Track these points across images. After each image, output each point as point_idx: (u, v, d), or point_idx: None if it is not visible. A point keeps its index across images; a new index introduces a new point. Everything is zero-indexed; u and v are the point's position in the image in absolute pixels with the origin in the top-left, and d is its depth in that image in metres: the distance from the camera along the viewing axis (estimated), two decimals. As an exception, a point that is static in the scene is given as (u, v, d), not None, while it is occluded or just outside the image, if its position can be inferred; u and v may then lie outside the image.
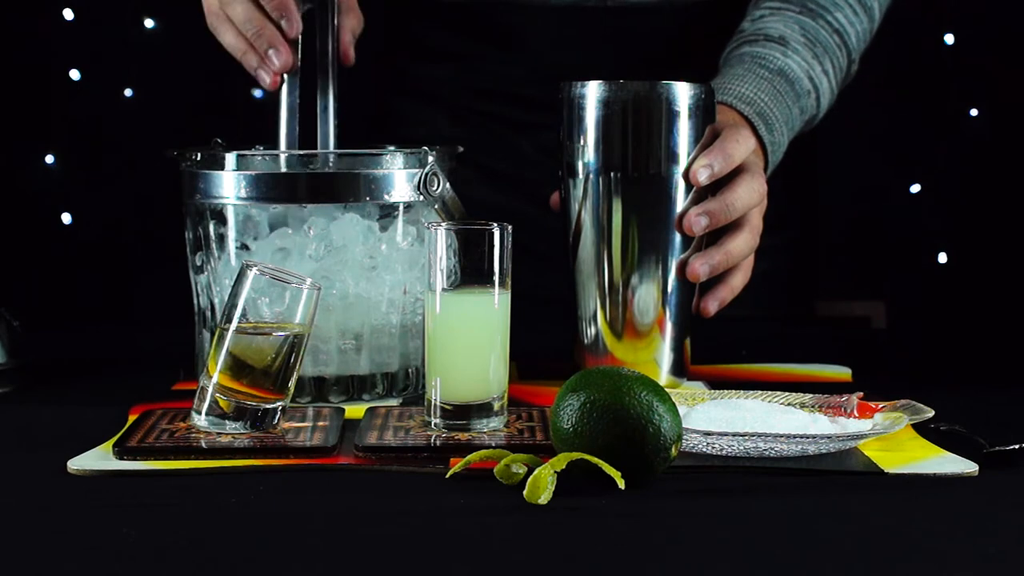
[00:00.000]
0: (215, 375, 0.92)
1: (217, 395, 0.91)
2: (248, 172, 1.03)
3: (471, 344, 0.94)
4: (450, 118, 1.42)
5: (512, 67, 1.38)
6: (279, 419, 0.93)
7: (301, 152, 1.03)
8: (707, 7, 1.36)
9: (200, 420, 0.92)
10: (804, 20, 1.24)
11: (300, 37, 1.10)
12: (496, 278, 0.93)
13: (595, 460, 0.79)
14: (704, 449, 0.88)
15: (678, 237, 1.07)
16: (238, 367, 0.92)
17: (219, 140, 1.07)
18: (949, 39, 2.16)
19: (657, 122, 1.05)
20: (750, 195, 1.07)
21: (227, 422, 0.91)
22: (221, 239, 1.04)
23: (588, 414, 0.82)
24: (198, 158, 1.05)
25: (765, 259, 1.15)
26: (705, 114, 1.06)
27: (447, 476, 0.83)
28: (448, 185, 1.04)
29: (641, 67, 1.31)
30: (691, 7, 1.35)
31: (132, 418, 0.97)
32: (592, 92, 1.05)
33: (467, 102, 1.41)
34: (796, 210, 1.47)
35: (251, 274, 0.92)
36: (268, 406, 0.92)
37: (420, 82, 1.44)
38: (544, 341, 1.14)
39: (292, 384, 0.93)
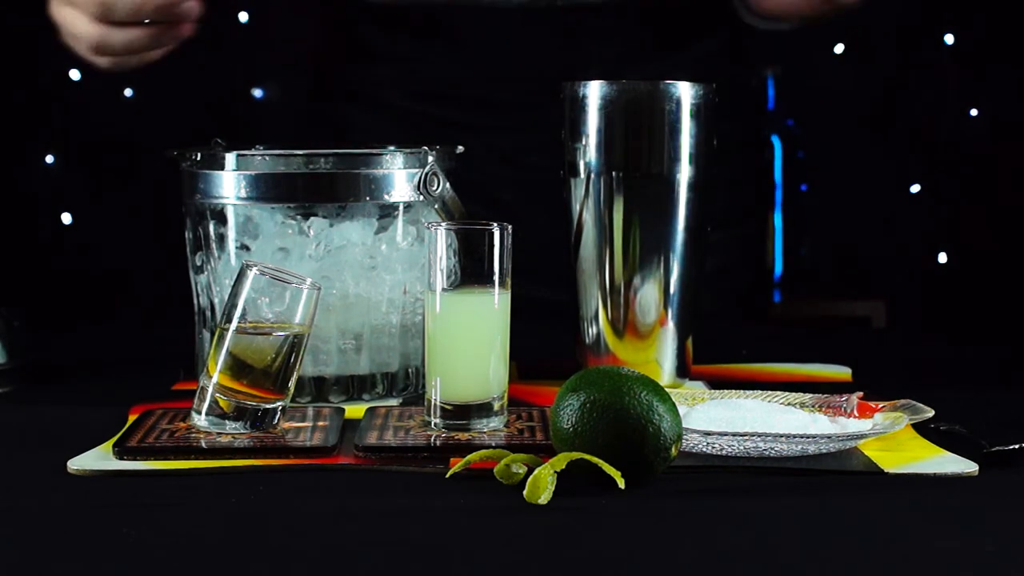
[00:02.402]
0: (215, 375, 0.92)
1: (217, 395, 0.91)
2: (248, 172, 1.02)
3: (471, 344, 0.94)
4: (394, 121, 1.39)
5: (458, 69, 1.34)
6: (279, 419, 0.93)
7: (301, 152, 1.03)
8: (657, 7, 1.33)
9: (200, 420, 0.92)
10: None
11: None
12: (496, 278, 0.93)
13: (595, 460, 0.79)
14: (704, 449, 0.88)
15: (680, 237, 1.07)
16: (238, 367, 0.92)
17: (219, 140, 1.07)
18: (949, 39, 2.16)
19: (659, 121, 1.04)
20: None
21: (227, 422, 0.91)
22: (221, 239, 1.04)
23: (588, 414, 0.82)
24: (198, 158, 1.05)
25: (718, 254, 1.13)
26: (707, 114, 1.06)
27: (447, 476, 0.83)
28: (448, 185, 1.04)
29: (591, 67, 1.29)
30: (641, 7, 1.33)
31: (132, 418, 0.97)
32: (594, 91, 1.05)
33: (411, 104, 1.38)
34: (752, 206, 1.47)
35: (251, 274, 0.92)
36: (268, 406, 0.92)
37: (363, 85, 1.41)
38: (544, 341, 1.14)
39: (292, 384, 0.93)
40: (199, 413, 0.92)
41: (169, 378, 1.12)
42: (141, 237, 2.21)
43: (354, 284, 1.03)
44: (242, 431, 0.91)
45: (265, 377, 0.92)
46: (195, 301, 1.09)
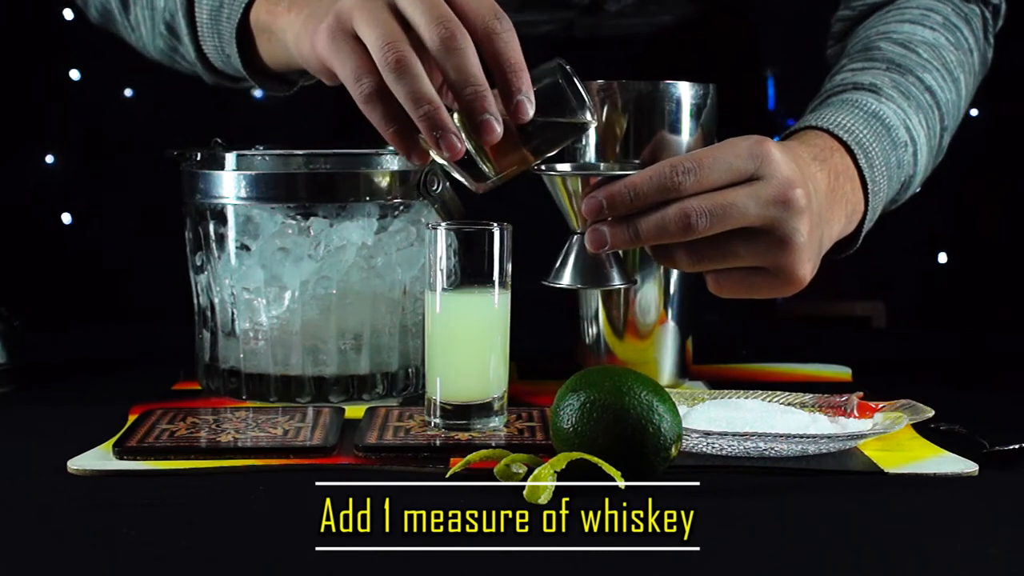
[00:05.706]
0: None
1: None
2: (248, 172, 1.02)
3: (471, 344, 0.94)
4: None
5: None
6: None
7: (301, 152, 1.03)
8: (675, 39, 1.33)
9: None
10: (893, 75, 1.14)
11: None
12: (496, 278, 0.93)
13: (595, 460, 0.79)
14: (704, 449, 0.88)
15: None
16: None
17: (219, 140, 1.07)
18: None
19: (659, 121, 1.04)
20: (745, 201, 0.93)
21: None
22: (221, 239, 1.04)
23: (588, 414, 0.82)
24: (198, 158, 1.05)
25: None
26: (707, 114, 1.06)
27: (447, 476, 0.83)
28: (448, 185, 1.04)
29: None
30: (659, 38, 1.32)
31: (132, 418, 0.97)
32: (594, 91, 1.05)
33: None
34: None
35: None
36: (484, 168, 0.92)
37: None
38: (544, 341, 1.14)
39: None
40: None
41: (169, 378, 1.12)
42: (141, 237, 2.21)
43: (354, 284, 1.03)
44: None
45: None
46: (195, 301, 1.09)
